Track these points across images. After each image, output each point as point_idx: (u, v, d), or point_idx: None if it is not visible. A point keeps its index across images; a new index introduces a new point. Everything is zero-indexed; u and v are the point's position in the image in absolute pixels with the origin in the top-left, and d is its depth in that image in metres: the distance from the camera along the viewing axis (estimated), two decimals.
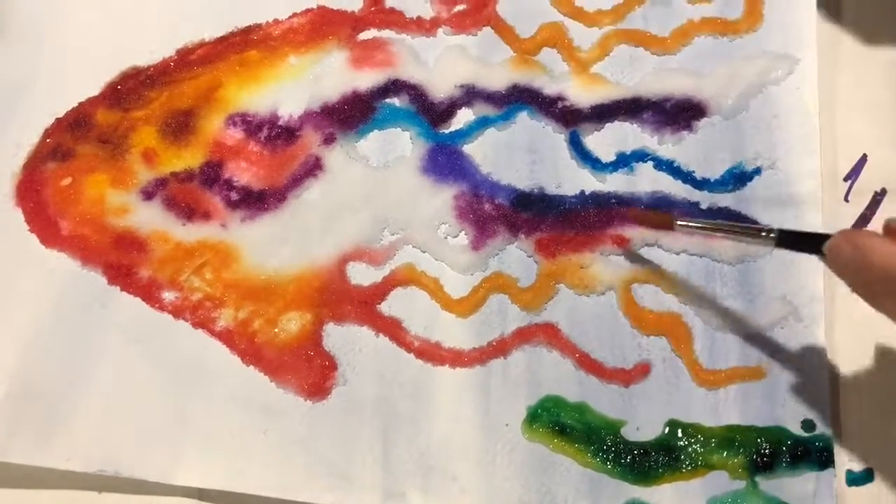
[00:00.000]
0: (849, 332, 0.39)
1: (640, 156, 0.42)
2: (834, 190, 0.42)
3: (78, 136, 0.43)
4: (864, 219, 0.41)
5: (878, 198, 0.42)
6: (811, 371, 0.38)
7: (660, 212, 0.40)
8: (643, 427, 0.37)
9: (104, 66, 0.45)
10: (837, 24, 0.45)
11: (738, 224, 0.37)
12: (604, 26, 0.45)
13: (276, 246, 0.41)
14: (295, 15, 0.46)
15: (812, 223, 0.40)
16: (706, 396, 0.38)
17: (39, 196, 0.42)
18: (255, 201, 0.42)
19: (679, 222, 0.36)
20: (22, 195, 0.42)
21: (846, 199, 0.42)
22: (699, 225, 0.37)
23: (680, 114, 0.43)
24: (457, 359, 0.39)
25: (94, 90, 0.44)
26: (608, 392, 0.38)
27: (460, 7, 0.46)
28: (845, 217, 0.41)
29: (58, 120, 0.43)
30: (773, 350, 0.38)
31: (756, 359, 0.38)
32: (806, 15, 0.44)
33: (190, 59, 0.45)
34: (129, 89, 0.44)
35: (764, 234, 0.34)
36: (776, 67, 0.43)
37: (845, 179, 0.42)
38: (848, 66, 0.44)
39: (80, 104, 0.44)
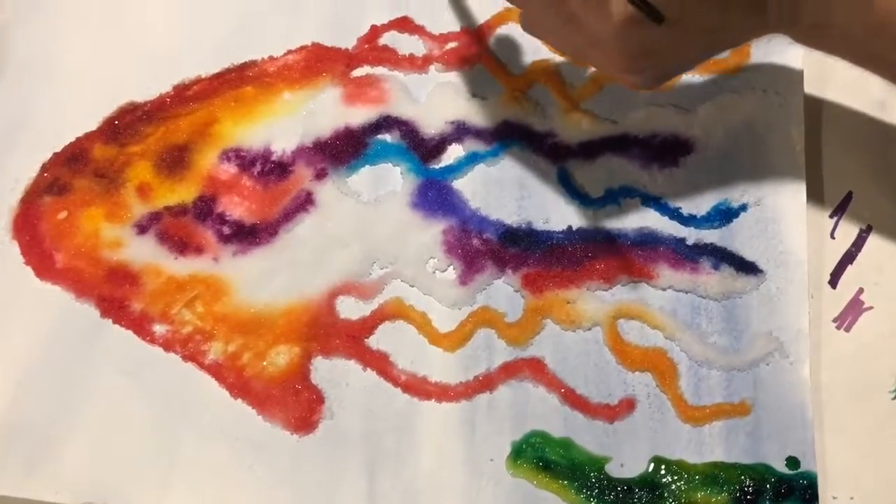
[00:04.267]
0: (834, 369, 0.39)
1: (628, 192, 0.43)
2: (820, 227, 0.42)
3: (75, 170, 0.44)
4: (850, 256, 0.42)
5: (863, 235, 0.42)
6: (796, 408, 0.38)
7: None
8: (627, 463, 0.38)
9: (102, 101, 0.45)
10: (823, 62, 0.45)
11: None
12: None
13: (266, 280, 0.41)
14: (290, 52, 0.46)
15: (798, 260, 0.40)
16: (691, 433, 0.38)
17: (36, 229, 0.42)
18: (247, 235, 0.42)
19: None
20: (19, 228, 0.43)
21: (832, 237, 0.42)
22: None
23: (667, 150, 0.43)
24: (443, 393, 0.39)
25: (92, 125, 0.45)
26: (593, 428, 0.38)
27: (452, 44, 0.47)
28: (831, 254, 0.42)
29: (55, 154, 0.44)
30: (759, 386, 0.38)
31: (741, 395, 0.38)
32: (792, 54, 0.44)
33: (186, 95, 0.45)
34: (125, 124, 0.45)
35: None
36: (763, 105, 0.44)
37: (831, 216, 0.42)
38: (834, 104, 0.44)
39: (78, 139, 0.45)
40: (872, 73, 0.35)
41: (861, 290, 0.41)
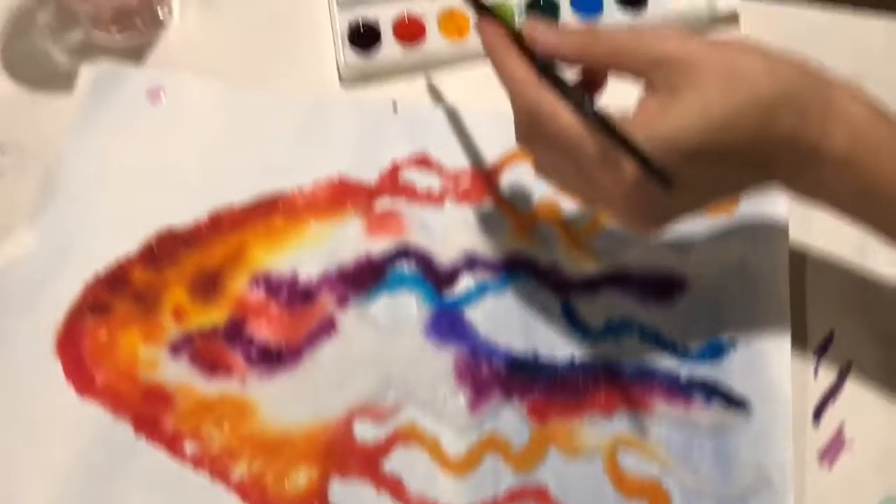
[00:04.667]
0: (818, 501, 0.42)
1: (627, 326, 0.46)
2: (803, 364, 0.45)
3: (115, 292, 0.47)
4: (833, 392, 0.45)
5: (844, 372, 0.45)
6: None
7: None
8: None
9: (143, 226, 0.49)
10: (807, 207, 0.49)
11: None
12: None
13: (289, 402, 0.44)
14: (318, 185, 0.51)
15: (784, 397, 0.44)
16: None
17: (78, 348, 0.46)
18: (273, 359, 0.45)
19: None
20: (62, 346, 0.46)
21: (815, 372, 0.45)
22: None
23: (663, 287, 0.47)
24: None
25: (133, 249, 0.48)
26: None
27: (465, 182, 0.51)
28: (814, 390, 0.45)
29: (98, 276, 0.48)
30: None
31: None
32: (779, 199, 0.48)
33: (221, 223, 0.49)
34: (164, 249, 0.48)
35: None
36: (751, 246, 0.48)
37: (815, 354, 0.46)
38: (817, 247, 0.48)
39: (119, 262, 0.48)
40: (860, 227, 0.39)
41: (843, 425, 0.44)
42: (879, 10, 0.58)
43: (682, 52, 0.35)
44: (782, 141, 0.35)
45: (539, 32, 0.37)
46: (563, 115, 0.35)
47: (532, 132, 0.38)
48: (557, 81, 0.36)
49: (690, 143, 0.34)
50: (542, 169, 0.41)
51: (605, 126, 0.34)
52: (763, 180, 0.38)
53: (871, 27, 0.57)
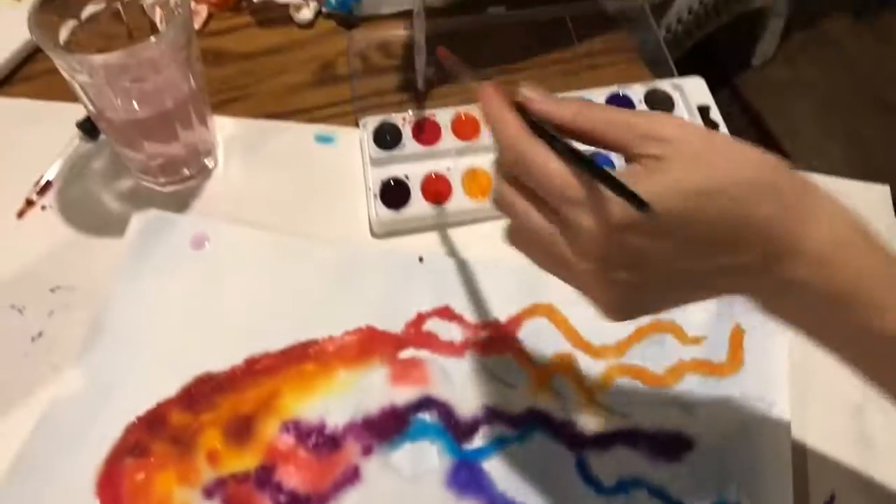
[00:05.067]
0: None
1: (637, 483, 0.49)
2: None
3: (154, 434, 0.50)
4: None
5: None
6: None
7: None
8: None
9: (182, 370, 0.52)
10: (807, 370, 0.53)
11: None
12: (608, 359, 0.53)
13: None
14: (347, 333, 0.54)
15: None
16: None
17: (117, 489, 0.48)
18: None
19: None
20: (102, 486, 0.48)
21: None
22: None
23: (671, 446, 0.50)
24: None
25: (171, 392, 0.51)
26: None
27: (485, 333, 0.54)
28: None
29: (138, 418, 0.50)
30: None
31: None
32: (780, 362, 0.51)
33: (256, 369, 0.53)
34: (201, 393, 0.52)
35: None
36: (755, 409, 0.50)
37: None
38: (817, 408, 0.51)
39: (159, 405, 0.51)
40: (819, 344, 0.38)
41: None
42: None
43: (675, 130, 0.35)
44: (760, 227, 0.34)
45: (536, 96, 0.38)
46: (551, 161, 0.35)
47: (517, 184, 0.38)
48: (548, 135, 0.36)
49: (669, 205, 0.33)
50: (517, 234, 0.40)
51: (591, 164, 0.34)
52: (736, 276, 0.36)
53: (862, 190, 0.62)
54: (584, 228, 0.35)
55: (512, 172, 0.38)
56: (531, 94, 0.38)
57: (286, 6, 0.72)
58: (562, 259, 0.37)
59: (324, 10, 0.73)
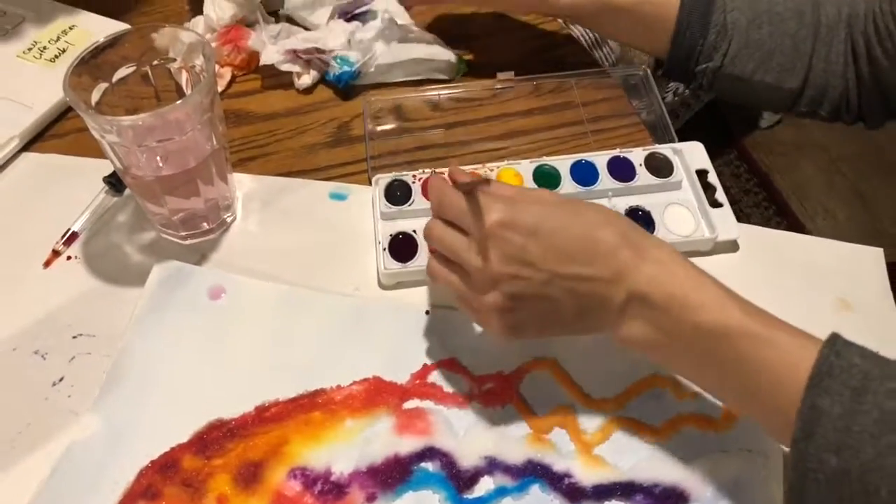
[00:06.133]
0: None
1: None
2: None
3: (166, 478, 0.52)
4: None
5: None
6: None
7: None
8: None
9: (195, 416, 0.54)
10: None
11: None
12: (606, 412, 0.55)
13: None
14: (355, 383, 0.56)
15: None
16: None
17: None
18: None
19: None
20: None
21: None
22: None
23: (667, 500, 0.51)
24: None
25: (184, 437, 0.53)
26: None
27: (488, 385, 0.56)
28: None
29: (152, 462, 0.52)
30: None
31: None
32: None
33: (265, 416, 0.55)
34: (212, 439, 0.53)
35: None
36: (750, 463, 0.52)
37: None
38: None
39: (172, 449, 0.53)
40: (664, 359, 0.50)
41: None
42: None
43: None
44: (608, 248, 0.47)
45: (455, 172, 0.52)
46: (456, 196, 0.51)
47: (442, 220, 0.52)
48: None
49: (540, 212, 0.49)
50: (436, 264, 0.53)
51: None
52: (593, 283, 0.48)
53: (858, 253, 0.64)
54: (472, 265, 0.49)
55: (439, 212, 0.52)
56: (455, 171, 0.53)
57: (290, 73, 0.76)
58: (463, 292, 0.52)
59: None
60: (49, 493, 0.51)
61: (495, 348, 0.57)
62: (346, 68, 0.74)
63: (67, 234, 0.64)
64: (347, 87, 0.75)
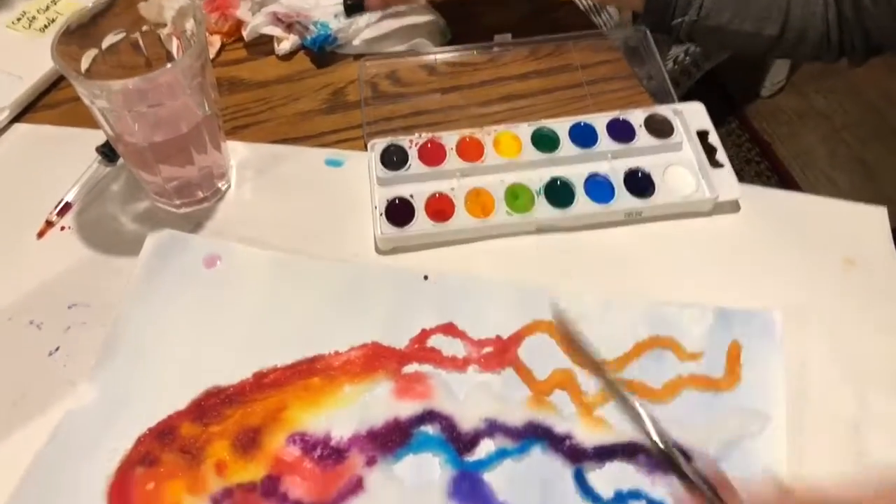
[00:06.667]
0: None
1: (635, 495, 0.49)
2: None
3: (164, 445, 0.52)
4: None
5: None
6: None
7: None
8: None
9: (192, 383, 0.54)
10: (803, 384, 0.53)
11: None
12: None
13: None
14: (353, 348, 0.56)
15: None
16: None
17: (127, 498, 0.50)
18: None
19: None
20: (113, 496, 0.50)
21: None
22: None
23: (669, 459, 0.50)
24: None
25: (182, 405, 0.53)
26: None
27: (488, 349, 0.55)
28: None
29: (149, 430, 0.52)
30: None
31: None
32: (777, 377, 0.52)
33: (263, 382, 0.54)
34: (210, 406, 0.53)
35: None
36: (752, 423, 0.51)
37: None
38: (813, 424, 0.52)
39: (169, 417, 0.53)
40: None
41: None
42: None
43: None
44: None
45: None
46: None
47: None
48: None
49: None
50: None
51: None
52: None
53: (861, 212, 0.63)
54: None
55: None
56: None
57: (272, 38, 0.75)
58: None
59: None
60: (46, 462, 0.50)
61: (494, 312, 0.57)
62: (322, 32, 0.73)
63: (61, 205, 0.63)
64: (324, 52, 0.74)
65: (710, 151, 0.64)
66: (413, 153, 0.64)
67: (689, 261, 0.60)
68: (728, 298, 0.56)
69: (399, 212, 0.61)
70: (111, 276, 0.59)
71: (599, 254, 0.60)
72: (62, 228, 0.62)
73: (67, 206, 0.63)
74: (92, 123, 0.56)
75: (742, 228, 0.62)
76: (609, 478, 0.50)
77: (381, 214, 0.61)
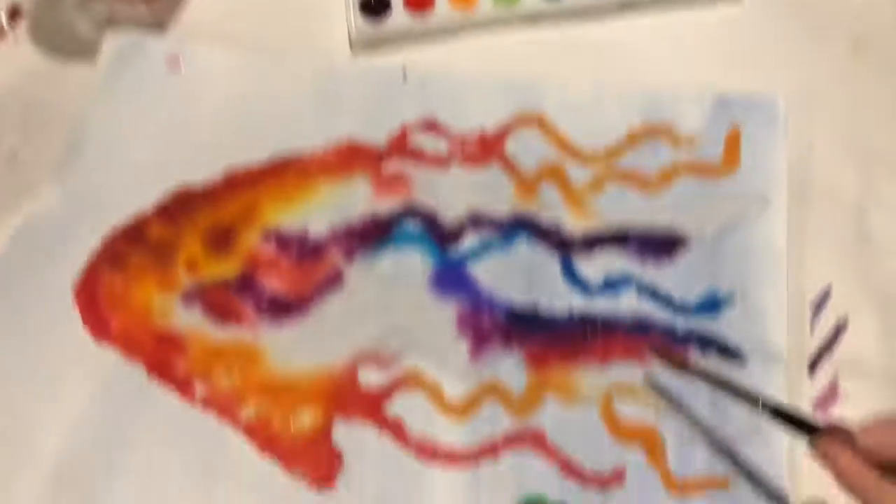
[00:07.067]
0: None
1: (625, 281, 0.47)
2: (800, 319, 0.46)
3: (132, 245, 0.49)
4: (828, 346, 0.46)
5: (840, 327, 0.46)
6: (772, 484, 0.41)
7: (678, 353, 0.45)
8: None
9: (160, 183, 0.51)
10: (807, 168, 0.50)
11: (743, 389, 0.40)
12: (597, 165, 0.51)
13: (297, 349, 0.46)
14: (328, 146, 0.52)
15: (778, 350, 0.44)
16: (676, 503, 0.41)
17: (95, 297, 0.48)
18: (282, 309, 0.47)
19: (693, 369, 0.42)
20: (80, 295, 0.48)
21: (811, 328, 0.46)
22: (709, 375, 0.42)
23: (662, 245, 0.48)
24: (451, 459, 0.43)
25: (150, 205, 0.50)
26: (586, 495, 0.42)
27: (472, 144, 0.52)
28: (810, 343, 0.46)
29: (116, 230, 0.50)
30: (739, 463, 0.42)
31: (723, 470, 0.42)
32: (777, 161, 0.49)
33: (235, 181, 0.51)
34: (179, 205, 0.50)
35: (764, 405, 0.38)
36: (750, 207, 0.48)
37: (811, 310, 0.47)
38: (816, 205, 0.49)
39: (137, 216, 0.50)
40: None
41: (837, 379, 0.45)
42: None
43: None
44: None
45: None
46: None
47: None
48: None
49: None
50: None
51: None
52: None
53: None
54: None
55: None
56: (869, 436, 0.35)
57: None
58: None
59: None
60: (7, 264, 0.48)
61: (478, 105, 0.53)
62: None
63: (10, 10, 0.58)
64: None
65: None
66: None
67: (688, 53, 0.56)
68: (729, 87, 0.52)
69: (375, 4, 0.56)
70: (70, 82, 0.55)
71: (593, 48, 0.56)
72: (15, 35, 0.58)
73: (18, 13, 0.59)
74: None
75: (745, 20, 0.57)
76: (598, 265, 0.48)
77: (355, 7, 0.56)
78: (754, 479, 0.42)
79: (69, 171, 0.51)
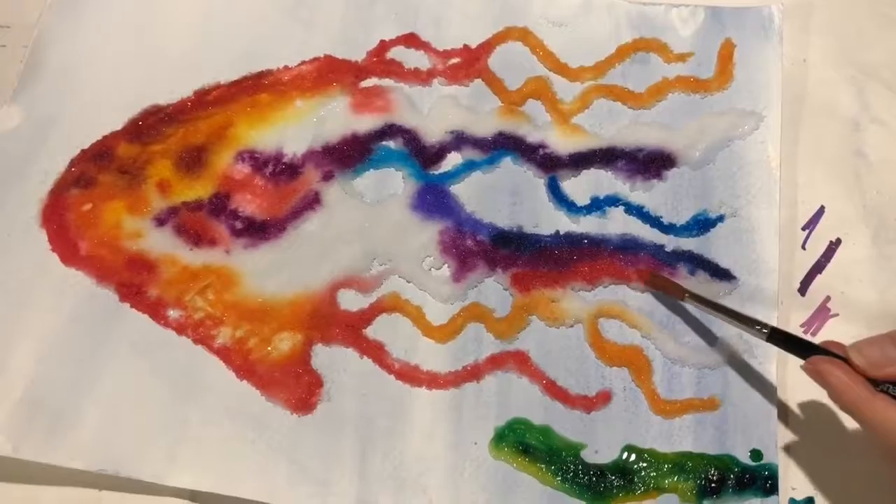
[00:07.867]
0: (799, 370, 0.42)
1: (613, 201, 0.46)
2: (792, 238, 0.45)
3: (100, 166, 0.47)
4: (819, 266, 0.44)
5: (832, 247, 0.45)
6: (762, 405, 0.41)
7: (674, 281, 0.43)
8: (601, 450, 0.40)
9: (127, 103, 0.49)
10: (801, 84, 0.48)
11: (738, 313, 0.39)
12: (585, 81, 0.49)
13: (274, 272, 0.45)
14: (304, 62, 0.50)
15: (770, 268, 0.43)
16: (662, 424, 0.41)
17: (62, 219, 0.46)
18: (258, 231, 0.45)
19: (688, 296, 0.40)
20: (46, 218, 0.46)
21: (803, 247, 0.45)
22: (704, 301, 0.40)
23: (651, 163, 0.46)
24: (433, 381, 0.42)
25: (118, 125, 0.48)
26: (571, 417, 0.41)
27: (454, 60, 0.50)
28: (802, 263, 0.44)
29: (83, 151, 0.47)
30: (728, 384, 0.41)
31: (711, 391, 0.41)
32: (772, 76, 0.47)
33: (206, 100, 0.49)
34: (148, 125, 0.48)
35: (758, 327, 0.37)
36: (743, 123, 0.47)
37: (803, 229, 0.45)
38: (810, 123, 0.47)
39: (104, 137, 0.48)
40: None
41: (828, 299, 0.44)
42: None
43: None
44: None
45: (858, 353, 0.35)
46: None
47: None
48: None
49: None
50: None
51: None
52: None
53: None
54: None
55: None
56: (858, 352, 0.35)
57: None
58: None
59: None
60: None
61: (461, 19, 0.51)
62: None
63: None
64: None
65: None
66: None
67: None
68: (723, 1, 0.50)
69: None
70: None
71: None
72: None
73: None
74: None
75: None
76: (585, 185, 0.46)
77: None
78: (743, 400, 0.41)
79: (30, 91, 0.49)
